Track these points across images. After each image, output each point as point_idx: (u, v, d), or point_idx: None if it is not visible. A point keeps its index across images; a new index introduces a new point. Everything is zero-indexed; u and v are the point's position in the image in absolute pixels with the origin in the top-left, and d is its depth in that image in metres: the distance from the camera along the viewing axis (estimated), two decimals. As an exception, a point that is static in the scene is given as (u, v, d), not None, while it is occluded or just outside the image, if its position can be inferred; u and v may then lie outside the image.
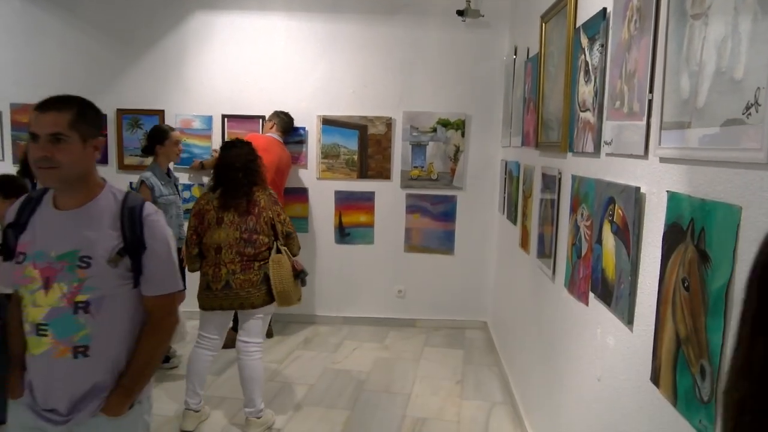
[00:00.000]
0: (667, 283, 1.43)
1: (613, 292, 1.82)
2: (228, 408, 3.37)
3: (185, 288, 3.83)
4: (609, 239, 1.86)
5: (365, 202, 4.88)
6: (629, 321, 1.69)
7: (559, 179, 2.59)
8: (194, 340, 3.14)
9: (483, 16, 4.56)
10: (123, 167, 4.94)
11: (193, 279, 3.20)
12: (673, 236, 1.42)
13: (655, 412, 1.50)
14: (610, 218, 1.85)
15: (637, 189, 1.65)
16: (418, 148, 4.81)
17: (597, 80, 2.07)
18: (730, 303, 1.16)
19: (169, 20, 4.79)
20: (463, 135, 4.77)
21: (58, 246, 1.57)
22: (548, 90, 2.90)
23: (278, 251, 3.06)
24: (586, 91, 2.22)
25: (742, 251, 1.13)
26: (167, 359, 3.92)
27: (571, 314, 2.31)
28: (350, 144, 4.83)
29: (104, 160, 4.88)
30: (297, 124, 4.73)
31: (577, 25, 2.38)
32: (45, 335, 1.56)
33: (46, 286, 1.55)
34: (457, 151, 4.79)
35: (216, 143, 4.83)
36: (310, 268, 3.73)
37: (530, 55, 3.48)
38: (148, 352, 1.69)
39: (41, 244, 1.58)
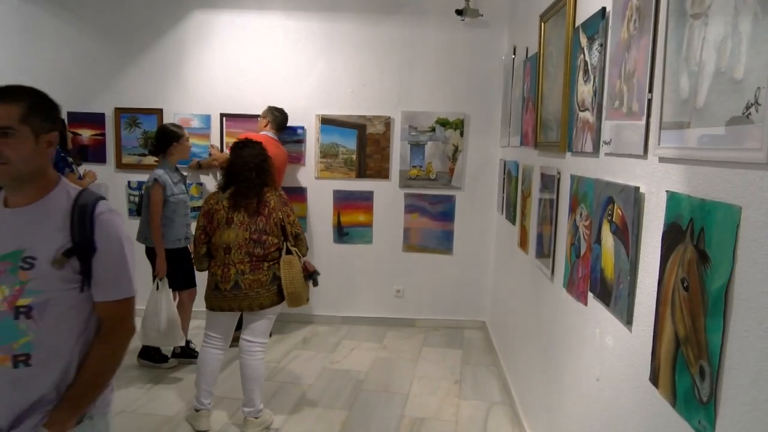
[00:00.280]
0: (667, 283, 1.43)
1: (612, 292, 1.82)
2: (227, 407, 3.36)
3: (195, 286, 3.88)
4: (608, 239, 1.86)
5: (364, 201, 4.88)
6: (628, 321, 1.69)
7: (558, 179, 2.59)
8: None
9: (482, 15, 4.56)
10: (121, 166, 4.93)
11: (202, 279, 3.17)
12: (672, 236, 1.41)
13: (654, 413, 1.50)
14: (609, 218, 1.85)
15: (637, 189, 1.65)
16: (416, 147, 4.81)
17: (596, 80, 2.07)
18: (730, 303, 1.15)
19: (167, 19, 4.78)
20: (461, 135, 4.77)
21: (1, 246, 1.46)
22: (547, 90, 2.90)
23: (288, 252, 3.06)
24: (585, 90, 2.21)
25: (741, 251, 1.13)
26: (165, 359, 3.91)
27: (570, 314, 2.31)
28: (349, 143, 4.82)
29: (102, 159, 4.87)
30: (296, 123, 4.73)
31: (576, 25, 2.37)
32: None
33: None
34: (456, 150, 4.79)
35: (215, 142, 4.84)
36: (308, 268, 3.73)
37: (529, 55, 3.48)
38: (98, 362, 1.54)
39: None
